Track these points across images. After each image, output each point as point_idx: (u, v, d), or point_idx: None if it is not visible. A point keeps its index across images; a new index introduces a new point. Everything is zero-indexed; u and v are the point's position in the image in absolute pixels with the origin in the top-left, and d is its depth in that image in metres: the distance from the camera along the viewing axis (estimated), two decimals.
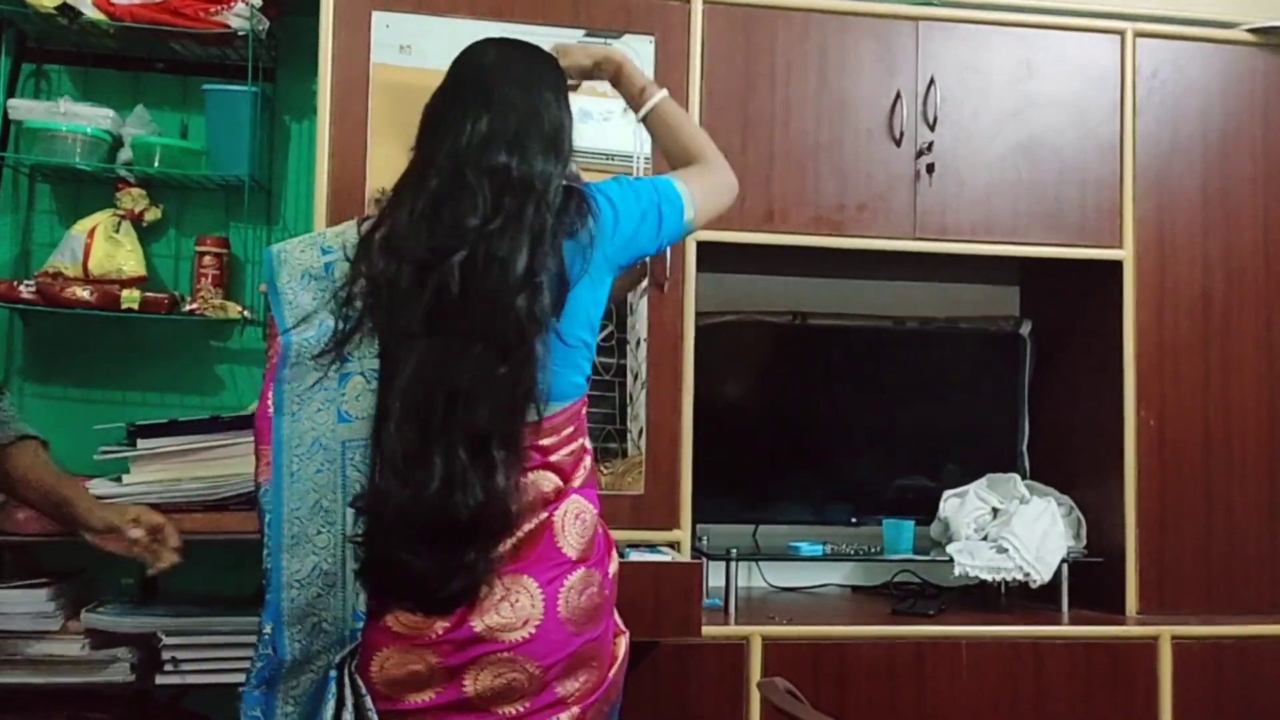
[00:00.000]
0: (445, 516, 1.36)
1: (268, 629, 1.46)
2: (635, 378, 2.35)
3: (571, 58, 1.73)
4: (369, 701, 1.40)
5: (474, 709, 1.43)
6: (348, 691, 1.40)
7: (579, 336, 1.51)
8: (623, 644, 1.61)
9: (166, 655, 2.28)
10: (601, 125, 2.36)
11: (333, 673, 1.40)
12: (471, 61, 1.59)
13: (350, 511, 1.43)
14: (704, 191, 1.69)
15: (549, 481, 1.49)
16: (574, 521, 1.49)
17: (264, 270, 1.56)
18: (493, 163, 1.45)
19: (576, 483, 1.52)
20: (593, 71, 1.76)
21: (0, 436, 1.79)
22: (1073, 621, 2.47)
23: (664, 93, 1.76)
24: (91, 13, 2.47)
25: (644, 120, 1.77)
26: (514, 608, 1.42)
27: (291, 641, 1.42)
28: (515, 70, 1.56)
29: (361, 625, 1.42)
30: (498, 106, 1.49)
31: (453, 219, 1.42)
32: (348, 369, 1.44)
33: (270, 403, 1.47)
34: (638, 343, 2.35)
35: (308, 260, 1.50)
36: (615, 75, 1.77)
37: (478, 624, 1.41)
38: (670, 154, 1.79)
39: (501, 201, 1.43)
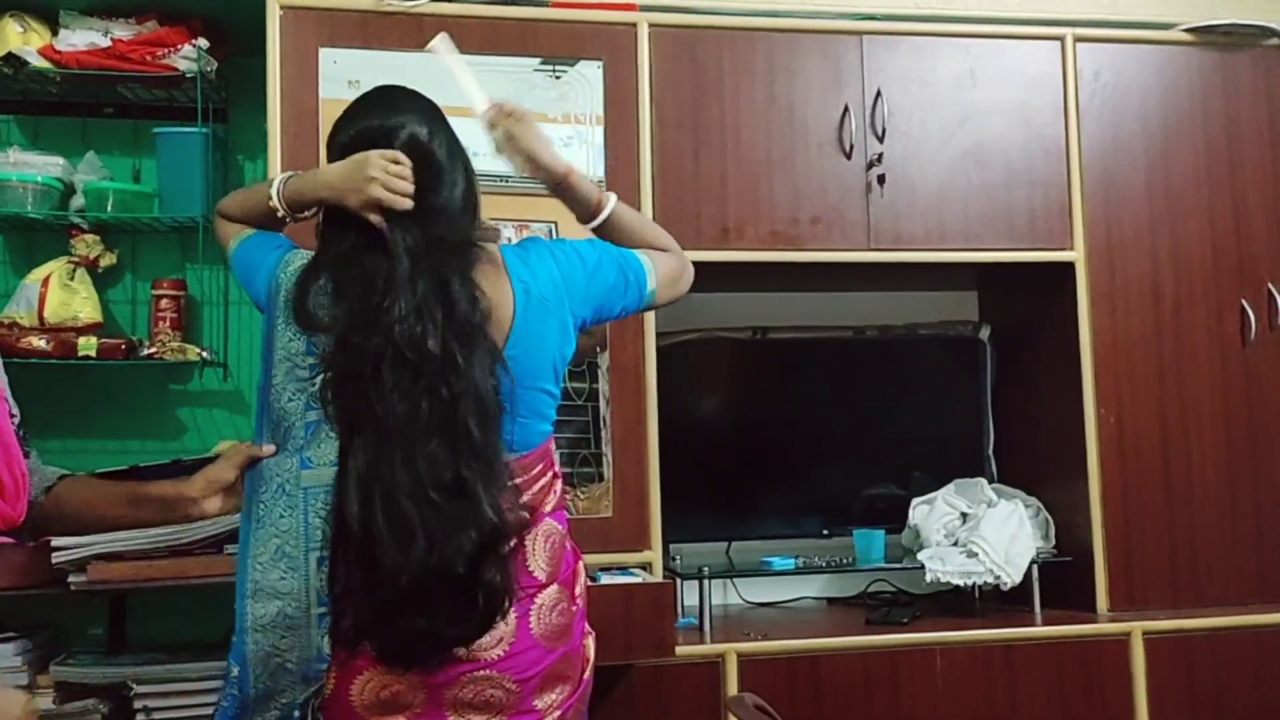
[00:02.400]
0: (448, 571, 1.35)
1: (234, 671, 1.46)
2: (607, 402, 2.35)
3: (525, 141, 1.64)
4: None
5: None
6: None
7: (544, 388, 1.54)
8: (591, 644, 1.63)
9: (138, 705, 2.25)
10: (559, 151, 2.35)
11: (296, 712, 1.40)
12: (365, 124, 1.52)
13: (314, 557, 1.42)
14: (665, 271, 1.68)
15: (522, 514, 1.50)
16: (543, 544, 1.52)
17: (268, 261, 1.57)
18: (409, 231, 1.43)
19: (548, 508, 1.55)
20: (530, 159, 1.66)
21: (44, 481, 1.71)
22: (1045, 622, 2.48)
23: (614, 197, 1.71)
24: (38, 62, 2.46)
25: (600, 226, 1.70)
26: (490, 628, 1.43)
27: (256, 682, 1.42)
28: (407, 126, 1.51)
29: (325, 666, 1.42)
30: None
31: (369, 297, 1.39)
32: (311, 417, 1.45)
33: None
34: (608, 367, 2.36)
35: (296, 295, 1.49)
36: (562, 182, 1.67)
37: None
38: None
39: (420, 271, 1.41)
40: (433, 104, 1.56)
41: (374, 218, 1.44)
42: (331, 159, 1.52)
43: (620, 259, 1.63)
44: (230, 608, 2.35)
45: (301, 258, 1.54)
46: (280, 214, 1.60)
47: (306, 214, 1.60)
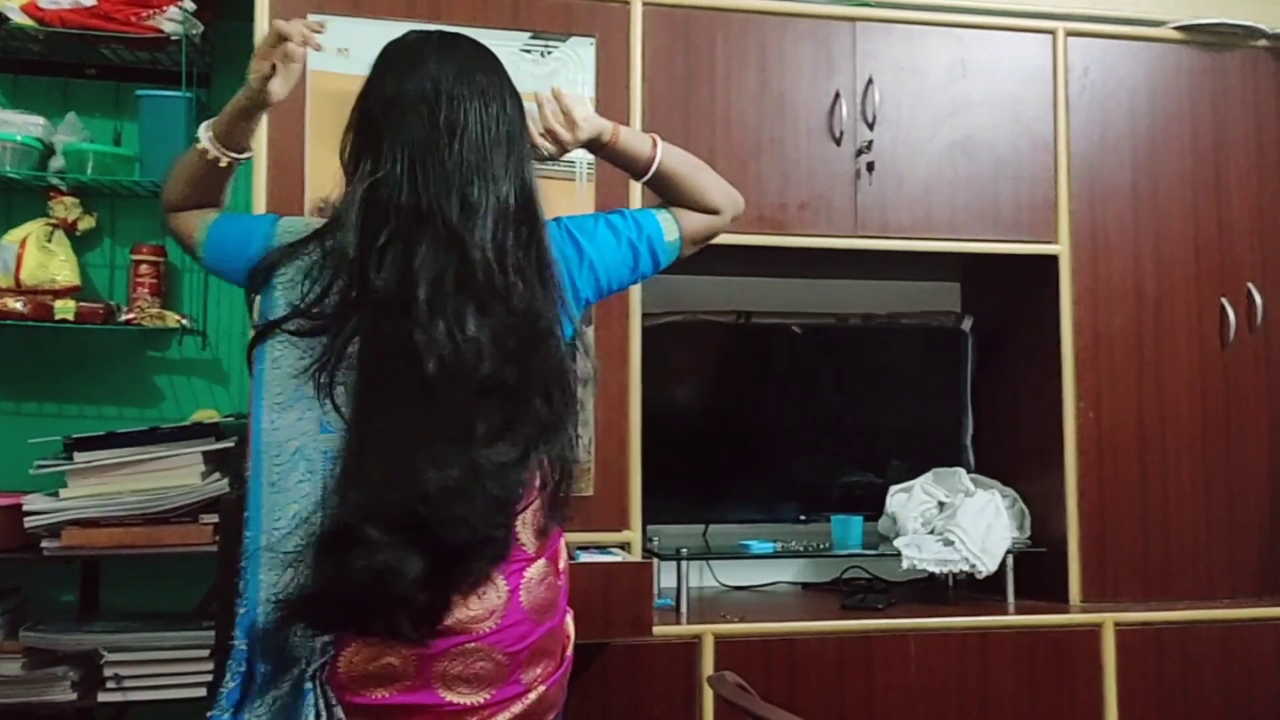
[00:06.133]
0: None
1: (241, 644, 1.41)
2: (585, 383, 2.34)
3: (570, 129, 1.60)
4: (339, 712, 1.39)
5: (439, 700, 1.43)
6: (322, 704, 1.38)
7: None
8: (570, 621, 1.63)
9: (109, 672, 2.24)
10: None
11: (308, 684, 1.37)
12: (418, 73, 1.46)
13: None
14: (690, 229, 1.68)
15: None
16: (533, 517, 1.51)
17: (258, 230, 1.53)
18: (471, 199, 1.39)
19: (537, 483, 1.53)
20: (587, 143, 1.63)
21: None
22: (1018, 611, 2.50)
23: (662, 146, 1.67)
24: (19, 19, 2.42)
25: (651, 180, 1.68)
26: (482, 600, 1.43)
27: (265, 657, 1.39)
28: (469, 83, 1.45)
29: (332, 638, 1.40)
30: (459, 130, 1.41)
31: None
32: (324, 379, 1.41)
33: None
34: (588, 347, 2.35)
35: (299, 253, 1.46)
36: (613, 141, 1.65)
37: (448, 617, 1.40)
38: (681, 204, 1.71)
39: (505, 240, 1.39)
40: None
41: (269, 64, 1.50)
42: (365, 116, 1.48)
43: (634, 227, 1.62)
44: (202, 576, 2.37)
45: (303, 223, 1.51)
46: (212, 156, 1.55)
47: (248, 152, 1.58)
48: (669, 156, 1.67)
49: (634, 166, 1.68)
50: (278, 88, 1.55)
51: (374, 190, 1.40)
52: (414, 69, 1.45)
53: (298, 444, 1.40)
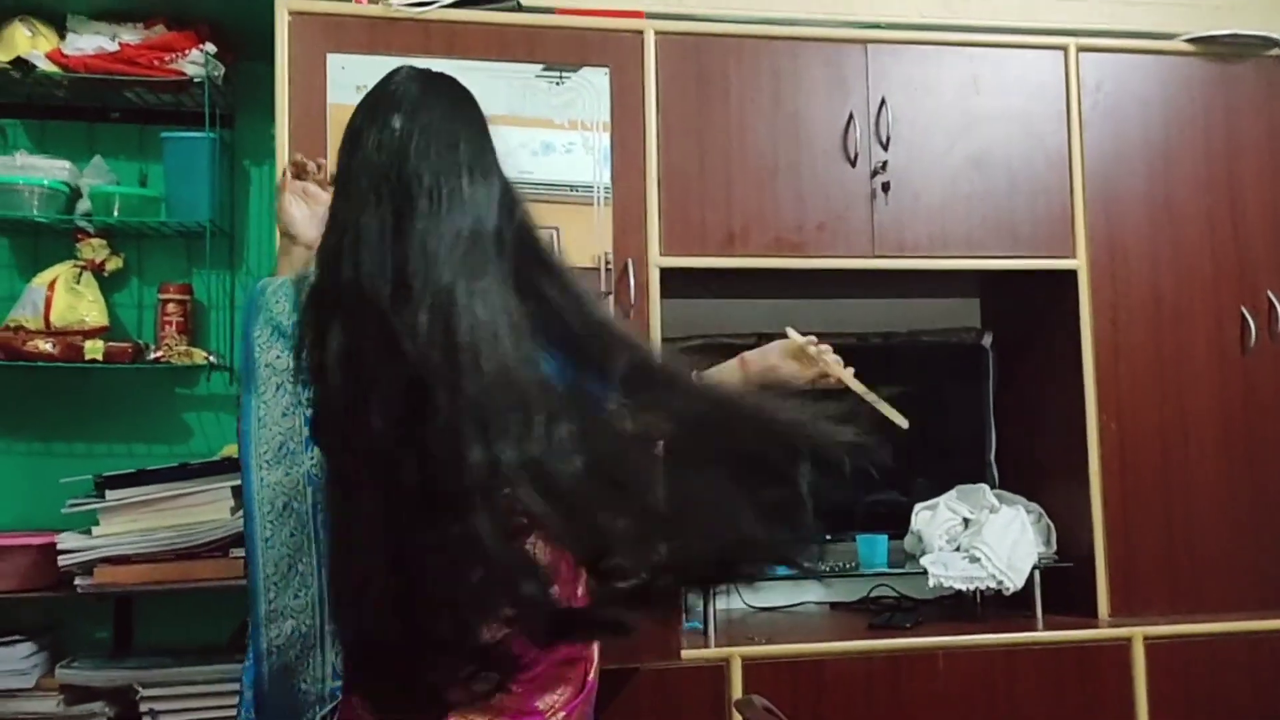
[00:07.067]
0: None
1: (248, 694, 1.43)
2: None
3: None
4: None
5: None
6: None
7: None
8: (594, 645, 1.61)
9: (144, 708, 2.26)
10: (565, 157, 2.39)
11: None
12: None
13: (324, 572, 1.42)
14: None
15: None
16: (543, 544, 1.51)
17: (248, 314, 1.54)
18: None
19: None
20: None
21: None
22: (1046, 627, 2.49)
23: None
24: (45, 65, 2.47)
25: None
26: None
27: (273, 706, 1.41)
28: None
29: (340, 684, 1.41)
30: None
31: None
32: (308, 433, 1.43)
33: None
34: None
35: (278, 312, 1.46)
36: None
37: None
38: None
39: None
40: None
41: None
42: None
43: None
44: (235, 610, 2.39)
45: (277, 282, 1.52)
46: None
47: None
48: None
49: None
50: (297, 213, 1.67)
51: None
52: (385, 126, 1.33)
53: (286, 499, 1.43)
